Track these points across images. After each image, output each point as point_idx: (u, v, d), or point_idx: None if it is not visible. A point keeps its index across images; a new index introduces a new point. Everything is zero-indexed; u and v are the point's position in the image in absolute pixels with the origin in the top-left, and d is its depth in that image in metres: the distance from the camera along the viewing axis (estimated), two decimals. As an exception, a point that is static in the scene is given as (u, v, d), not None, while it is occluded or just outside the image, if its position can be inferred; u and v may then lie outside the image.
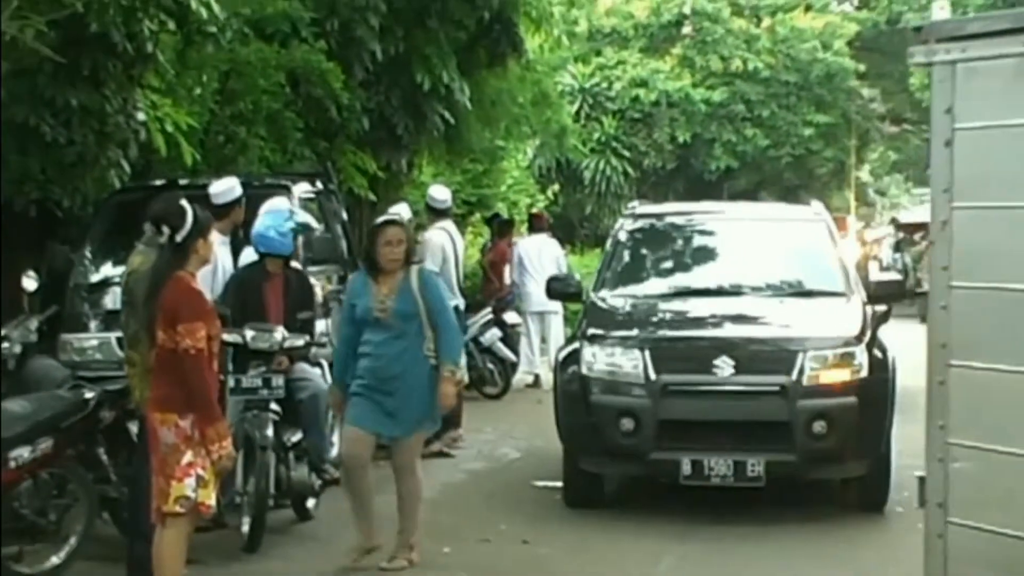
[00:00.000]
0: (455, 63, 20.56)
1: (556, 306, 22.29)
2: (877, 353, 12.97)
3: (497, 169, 30.28)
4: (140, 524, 9.69)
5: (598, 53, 43.24)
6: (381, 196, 19.88)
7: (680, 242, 15.29)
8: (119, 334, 10.81)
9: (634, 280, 14.62)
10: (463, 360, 12.29)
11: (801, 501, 13.11)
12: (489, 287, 22.29)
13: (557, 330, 22.68)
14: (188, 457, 8.86)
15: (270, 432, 11.44)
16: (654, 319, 13.78)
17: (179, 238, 9.06)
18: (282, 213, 12.68)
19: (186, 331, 8.85)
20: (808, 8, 47.71)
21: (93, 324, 14.31)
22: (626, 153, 42.22)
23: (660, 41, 44.11)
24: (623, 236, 15.12)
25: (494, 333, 20.82)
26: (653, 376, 12.53)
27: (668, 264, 15.06)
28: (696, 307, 13.94)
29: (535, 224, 24.44)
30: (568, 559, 11.36)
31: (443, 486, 14.89)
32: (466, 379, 13.92)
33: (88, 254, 14.67)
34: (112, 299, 12.28)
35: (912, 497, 10.95)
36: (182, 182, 14.03)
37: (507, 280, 22.91)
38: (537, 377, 22.44)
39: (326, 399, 12.76)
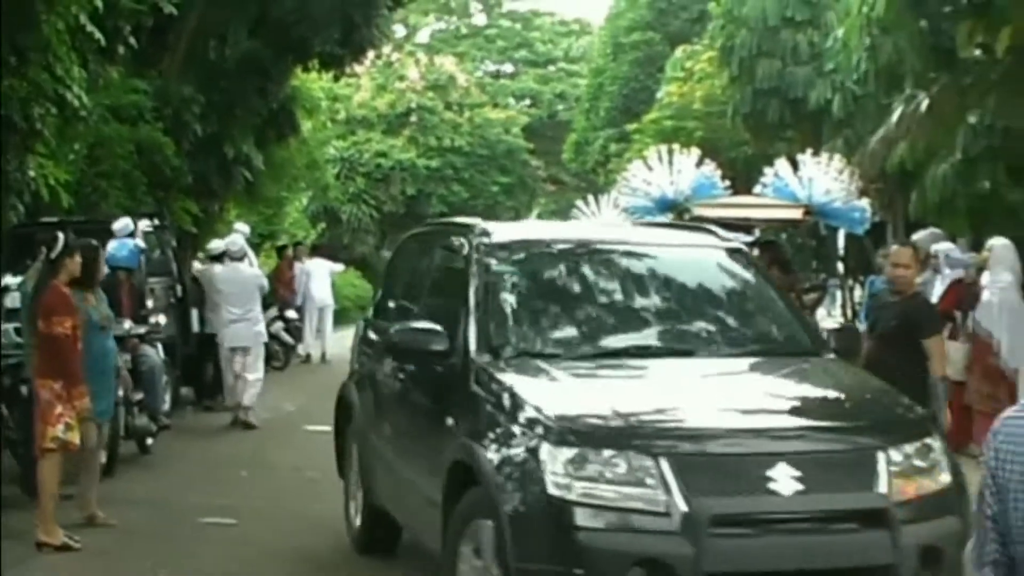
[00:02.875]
0: (253, 139, 20.60)
1: (331, 302, 23.27)
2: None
3: (282, 212, 30.26)
4: (29, 457, 9.64)
5: (353, 133, 43.14)
6: (201, 230, 19.81)
7: (575, 282, 7.53)
8: (16, 325, 10.65)
9: (538, 338, 7.06)
10: None
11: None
12: (277, 294, 22.27)
13: (330, 321, 23.50)
14: (59, 409, 8.96)
15: (120, 392, 11.34)
16: (641, 401, 6.27)
17: (52, 256, 9.17)
18: (126, 244, 12.81)
19: (58, 322, 8.98)
20: (495, 105, 48.30)
21: (-3, 318, 14.05)
22: (372, 202, 42.17)
23: (395, 126, 44.10)
24: (490, 276, 7.30)
25: (279, 325, 21.06)
26: (684, 503, 5.49)
27: (575, 312, 7.30)
28: (672, 378, 6.78)
29: (317, 251, 25.76)
30: (330, 481, 11.47)
31: (240, 429, 14.99)
32: None
33: (-5, 269, 14.41)
34: (11, 300, 12.06)
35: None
36: (61, 220, 13.87)
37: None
38: (309, 355, 22.96)
39: (161, 369, 12.82)
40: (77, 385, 9.07)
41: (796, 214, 14.57)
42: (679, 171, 14.88)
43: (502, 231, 8.05)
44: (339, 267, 26.02)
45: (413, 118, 44.31)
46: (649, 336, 7.18)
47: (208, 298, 15.95)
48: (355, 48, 21.26)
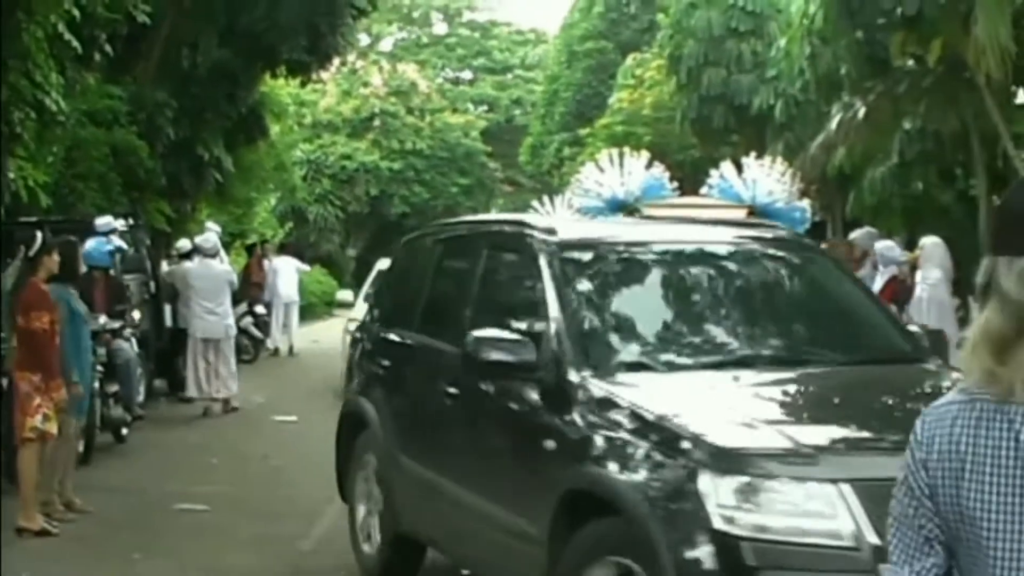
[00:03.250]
0: (223, 142, 20.56)
1: (296, 298, 23.23)
2: None
3: (251, 212, 30.15)
4: (10, 447, 9.60)
5: (319, 136, 43.03)
6: (174, 229, 19.76)
7: (663, 285, 6.43)
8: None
9: (640, 348, 5.95)
10: None
11: None
12: (247, 291, 22.24)
13: (295, 316, 23.46)
14: (37, 401, 8.93)
15: (96, 384, 11.29)
16: (796, 419, 5.41)
17: (31, 254, 9.14)
18: (102, 242, 12.79)
19: (36, 317, 8.94)
20: (455, 110, 48.27)
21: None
22: (337, 203, 42.08)
23: (360, 129, 44.03)
24: (572, 280, 6.15)
25: (248, 320, 21.00)
26: (875, 534, 4.34)
27: (669, 320, 6.31)
28: (806, 391, 5.93)
29: (285, 249, 25.51)
30: (297, 468, 11.47)
31: (212, 419, 14.96)
32: None
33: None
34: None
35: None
36: (39, 220, 13.80)
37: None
38: (277, 349, 22.92)
39: (136, 362, 12.80)
40: (55, 377, 9.06)
41: (740, 214, 14.58)
42: (629, 173, 14.81)
43: (566, 229, 6.75)
44: (306, 267, 26.00)
45: (376, 122, 44.23)
46: (756, 344, 6.11)
47: (180, 293, 15.99)
48: (321, 56, 21.27)
